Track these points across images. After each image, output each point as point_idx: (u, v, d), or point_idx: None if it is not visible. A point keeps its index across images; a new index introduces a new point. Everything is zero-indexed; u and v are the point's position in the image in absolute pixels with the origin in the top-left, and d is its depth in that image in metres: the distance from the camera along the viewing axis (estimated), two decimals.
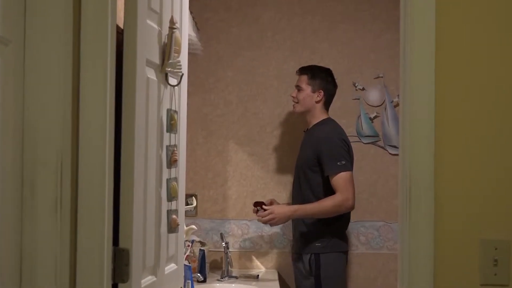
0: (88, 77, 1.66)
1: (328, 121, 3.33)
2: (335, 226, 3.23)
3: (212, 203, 3.85)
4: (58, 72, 1.60)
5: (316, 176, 3.22)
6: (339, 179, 3.12)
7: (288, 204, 3.49)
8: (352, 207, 3.15)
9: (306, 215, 3.21)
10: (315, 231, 3.22)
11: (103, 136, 1.67)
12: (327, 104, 3.37)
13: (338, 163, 3.13)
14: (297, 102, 3.37)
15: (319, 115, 3.34)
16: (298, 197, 3.33)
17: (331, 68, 3.45)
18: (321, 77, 3.35)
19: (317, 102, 3.33)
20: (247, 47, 3.87)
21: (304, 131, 3.47)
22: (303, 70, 3.40)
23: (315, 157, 3.21)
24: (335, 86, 3.39)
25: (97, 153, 1.65)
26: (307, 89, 3.34)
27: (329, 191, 3.17)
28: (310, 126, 3.37)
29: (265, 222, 3.21)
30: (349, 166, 3.16)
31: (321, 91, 3.33)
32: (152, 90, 2.01)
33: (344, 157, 3.16)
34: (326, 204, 3.13)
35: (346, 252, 3.28)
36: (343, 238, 3.28)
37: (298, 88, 3.37)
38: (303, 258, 3.24)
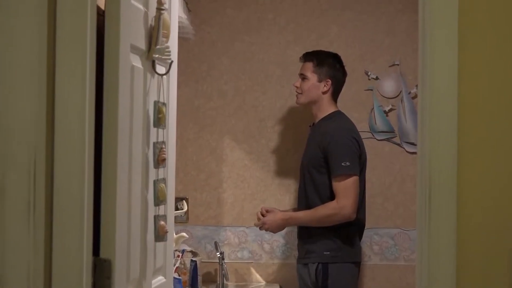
0: (65, 65, 1.66)
1: (337, 115, 3.33)
2: (347, 233, 3.22)
3: (205, 207, 3.86)
4: (30, 59, 1.60)
5: (322, 177, 3.22)
6: (339, 183, 3.13)
7: (294, 210, 3.50)
8: (351, 216, 3.14)
9: (299, 224, 3.30)
10: (323, 237, 3.21)
11: (82, 131, 1.67)
12: (335, 94, 3.36)
13: (342, 164, 3.13)
14: (301, 93, 3.36)
15: (326, 108, 3.33)
16: (302, 200, 3.33)
17: (341, 55, 3.45)
18: (329, 64, 3.34)
19: (324, 92, 3.32)
20: (244, 31, 3.87)
21: (309, 126, 3.47)
22: (307, 56, 3.39)
23: (321, 156, 3.21)
24: (344, 74, 3.39)
25: (75, 151, 1.65)
26: (312, 78, 3.33)
27: None
28: (317, 120, 3.36)
29: (261, 229, 3.38)
30: (354, 168, 3.15)
31: (328, 80, 3.32)
32: (138, 79, 2.01)
33: (350, 157, 3.14)
34: (319, 213, 3.18)
35: (358, 264, 3.28)
36: (356, 247, 3.27)
37: (302, 77, 3.36)
38: (309, 268, 3.24)
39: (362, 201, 3.26)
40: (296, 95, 3.40)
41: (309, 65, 3.35)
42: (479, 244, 1.70)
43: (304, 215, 3.23)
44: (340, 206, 3.12)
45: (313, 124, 3.40)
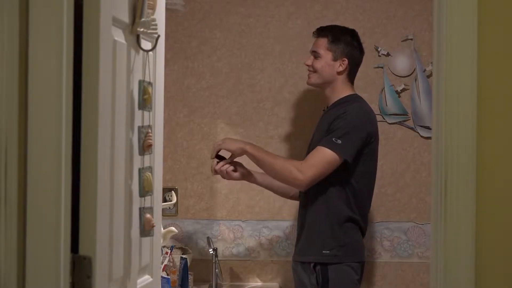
0: (40, 40, 1.66)
1: (354, 98, 3.27)
2: (349, 229, 3.21)
3: (197, 199, 3.87)
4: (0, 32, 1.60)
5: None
6: (317, 153, 3.10)
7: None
8: (301, 186, 3.15)
9: (254, 156, 3.18)
10: (322, 233, 3.19)
11: (59, 114, 1.67)
12: (351, 75, 3.31)
13: (333, 139, 3.09)
14: (314, 72, 3.30)
15: (341, 90, 3.28)
16: (304, 195, 3.29)
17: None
18: (346, 41, 3.28)
19: (339, 73, 3.27)
20: (240, 1, 3.86)
21: (323, 110, 3.42)
22: (321, 32, 3.34)
23: None
24: (362, 53, 3.34)
25: (51, 137, 1.65)
26: (326, 56, 3.28)
27: (350, 190, 3.15)
28: (330, 103, 3.32)
29: (221, 173, 3.25)
30: (343, 150, 3.09)
31: (345, 59, 3.26)
32: (120, 56, 2.01)
33: (347, 138, 3.08)
34: (278, 160, 3.18)
35: (362, 263, 3.26)
36: (359, 244, 3.25)
37: (315, 55, 3.31)
38: (307, 268, 3.23)
39: (369, 194, 3.26)
40: (308, 74, 3.33)
41: (323, 41, 3.30)
42: (501, 240, 1.70)
43: (265, 154, 3.19)
44: (298, 169, 3.10)
45: (327, 107, 3.37)
